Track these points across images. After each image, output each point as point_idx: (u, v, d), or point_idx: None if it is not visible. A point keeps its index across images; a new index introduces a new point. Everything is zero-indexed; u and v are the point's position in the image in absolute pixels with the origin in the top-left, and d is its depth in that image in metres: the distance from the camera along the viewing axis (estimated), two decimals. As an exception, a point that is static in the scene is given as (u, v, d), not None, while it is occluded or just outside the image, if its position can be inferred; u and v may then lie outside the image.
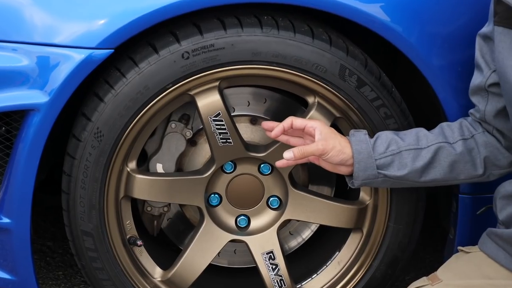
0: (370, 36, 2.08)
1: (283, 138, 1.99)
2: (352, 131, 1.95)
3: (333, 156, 1.92)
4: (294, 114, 2.20)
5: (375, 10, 2.00)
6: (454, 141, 1.90)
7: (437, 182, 1.94)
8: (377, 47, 2.15)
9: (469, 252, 1.91)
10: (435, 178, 1.92)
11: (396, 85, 2.14)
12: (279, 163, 2.00)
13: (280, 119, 2.18)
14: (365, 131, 1.95)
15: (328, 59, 2.03)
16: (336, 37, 2.06)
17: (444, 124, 1.95)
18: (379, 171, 1.90)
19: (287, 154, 1.93)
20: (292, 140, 2.00)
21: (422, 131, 1.94)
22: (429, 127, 1.97)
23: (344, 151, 1.92)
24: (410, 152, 1.89)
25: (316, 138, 1.93)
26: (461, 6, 2.06)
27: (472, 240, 2.16)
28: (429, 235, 2.45)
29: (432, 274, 1.94)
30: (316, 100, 2.11)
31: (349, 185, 1.99)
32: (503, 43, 1.68)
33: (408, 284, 2.09)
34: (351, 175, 1.95)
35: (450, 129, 1.92)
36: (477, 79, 1.87)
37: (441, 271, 1.92)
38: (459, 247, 1.95)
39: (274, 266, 2.26)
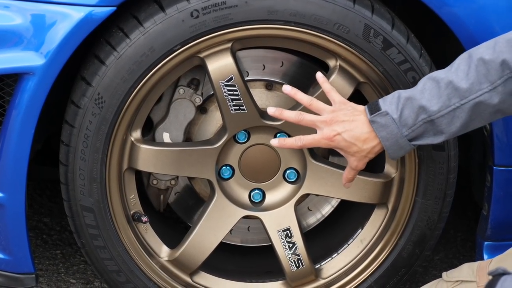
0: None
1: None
2: (372, 117, 1.88)
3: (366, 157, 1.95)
4: (314, 78, 2.20)
5: None
6: (493, 86, 1.82)
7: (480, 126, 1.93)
8: (406, 5, 2.11)
9: None
10: (478, 126, 1.90)
11: (426, 47, 2.13)
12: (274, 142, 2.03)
13: (298, 84, 2.22)
14: (385, 111, 1.88)
15: (351, 18, 2.01)
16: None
17: (481, 59, 1.84)
18: (413, 143, 1.89)
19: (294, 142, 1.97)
20: None
21: (451, 81, 1.85)
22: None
23: (372, 150, 1.93)
24: (443, 117, 1.85)
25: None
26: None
27: (508, 217, 2.21)
28: (461, 211, 2.42)
29: (480, 264, 1.90)
30: (338, 64, 2.11)
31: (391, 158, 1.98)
32: None
33: (438, 266, 2.09)
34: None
35: (486, 68, 1.83)
36: None
37: (494, 263, 1.86)
38: None
39: (291, 245, 2.26)
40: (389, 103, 1.88)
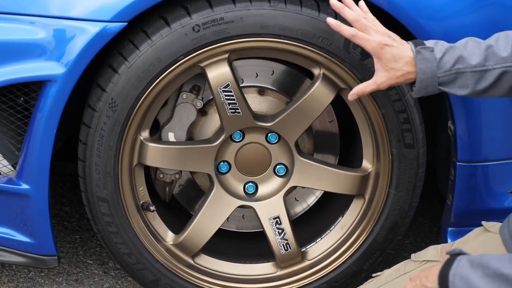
0: (373, 10, 2.03)
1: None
2: (418, 48, 1.84)
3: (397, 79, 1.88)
4: (300, 85, 2.25)
5: None
6: None
7: (497, 97, 1.90)
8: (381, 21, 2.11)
9: (490, 232, 1.85)
10: (493, 95, 1.86)
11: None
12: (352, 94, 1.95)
13: (287, 90, 2.26)
14: (432, 47, 1.85)
15: (333, 32, 1.98)
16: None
17: None
18: (440, 87, 1.85)
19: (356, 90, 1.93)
20: None
21: (492, 47, 1.84)
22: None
23: (408, 76, 1.87)
24: (475, 73, 1.82)
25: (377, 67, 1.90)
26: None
27: (468, 206, 2.21)
28: (428, 201, 2.43)
29: (443, 246, 1.90)
30: (322, 72, 2.10)
31: (409, 93, 1.94)
32: None
33: (408, 249, 2.09)
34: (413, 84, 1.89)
35: None
36: None
37: (458, 245, 1.85)
38: (483, 222, 1.88)
39: (280, 231, 2.26)
40: (433, 44, 1.86)
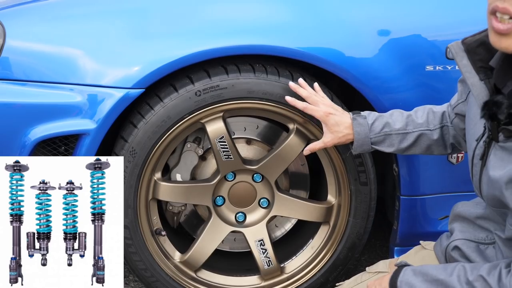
0: (334, 79, 2.09)
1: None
2: (354, 116, 1.90)
3: (340, 139, 1.93)
4: (278, 137, 2.24)
5: (343, 62, 2.02)
6: (434, 128, 1.85)
7: (416, 154, 1.94)
8: (341, 88, 2.14)
9: (426, 249, 1.86)
10: (414, 153, 1.91)
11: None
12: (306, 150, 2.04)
13: (268, 140, 2.26)
14: (365, 116, 1.90)
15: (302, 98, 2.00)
16: (310, 80, 2.04)
17: (431, 109, 1.89)
18: (373, 146, 1.88)
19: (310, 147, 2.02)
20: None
21: (411, 116, 1.89)
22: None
23: (347, 137, 1.91)
24: (399, 135, 1.86)
25: (325, 131, 1.95)
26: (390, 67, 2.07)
27: (410, 230, 2.23)
28: (379, 226, 2.43)
29: (391, 261, 1.90)
30: (295, 127, 2.10)
31: (351, 150, 1.96)
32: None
33: (363, 264, 2.09)
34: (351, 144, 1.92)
35: (433, 115, 1.87)
36: (454, 98, 1.82)
37: (403, 259, 1.84)
38: (421, 241, 1.90)
39: (264, 250, 2.24)
40: (367, 113, 1.90)
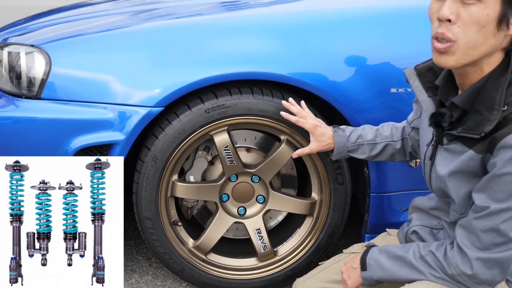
0: (317, 100, 2.08)
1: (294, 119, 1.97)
2: (335, 129, 1.91)
3: (323, 147, 1.93)
4: (272, 146, 2.24)
5: (325, 86, 2.00)
6: (397, 139, 1.87)
7: (383, 160, 1.94)
8: (323, 107, 2.13)
9: (391, 235, 1.87)
10: (380, 160, 1.92)
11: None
12: (295, 154, 2.02)
13: (264, 149, 2.25)
14: (343, 129, 1.91)
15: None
16: (297, 99, 2.03)
17: (394, 125, 1.91)
18: (349, 153, 1.90)
19: (297, 152, 2.01)
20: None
21: (379, 130, 1.90)
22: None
23: (329, 146, 1.92)
24: (369, 145, 1.88)
25: (311, 139, 1.95)
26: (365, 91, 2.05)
27: (378, 221, 2.22)
28: (353, 218, 2.43)
29: (362, 244, 1.90)
30: (286, 138, 2.10)
31: (331, 157, 1.96)
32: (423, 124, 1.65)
33: (341, 247, 2.08)
34: (332, 151, 1.94)
35: (396, 130, 1.89)
36: (410, 116, 1.85)
37: (372, 242, 1.86)
38: (387, 229, 1.91)
39: (260, 237, 2.25)
40: (345, 127, 1.92)
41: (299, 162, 2.25)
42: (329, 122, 2.08)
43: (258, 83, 2.02)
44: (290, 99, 1.98)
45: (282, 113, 1.97)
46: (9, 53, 2.02)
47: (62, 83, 1.94)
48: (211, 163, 2.25)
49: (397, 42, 2.05)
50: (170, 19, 2.22)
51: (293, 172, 2.34)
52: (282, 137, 2.11)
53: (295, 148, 2.10)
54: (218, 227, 2.23)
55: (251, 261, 2.29)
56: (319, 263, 1.93)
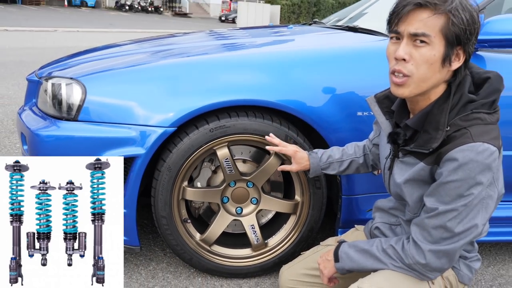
0: (298, 121, 2.10)
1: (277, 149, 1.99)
2: (310, 152, 1.94)
3: (301, 167, 1.94)
4: (263, 158, 2.25)
5: (305, 110, 2.02)
6: (359, 156, 1.88)
7: (350, 173, 1.94)
8: (303, 127, 2.16)
9: (359, 230, 1.89)
10: (348, 173, 1.93)
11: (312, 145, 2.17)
12: (280, 168, 2.03)
13: (257, 160, 2.26)
14: (316, 151, 1.92)
15: (280, 132, 2.05)
16: (285, 121, 2.08)
17: (356, 144, 1.92)
18: (322, 171, 1.91)
19: (282, 167, 2.02)
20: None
21: (344, 149, 1.91)
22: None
23: (306, 166, 1.93)
24: (338, 163, 1.88)
25: (292, 162, 1.96)
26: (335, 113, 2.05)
27: (348, 218, 2.23)
28: (329, 216, 2.43)
29: (336, 238, 1.94)
30: (274, 152, 2.11)
31: (308, 175, 1.98)
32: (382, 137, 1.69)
33: (318, 239, 2.10)
34: (308, 170, 1.95)
35: (358, 148, 1.90)
36: (371, 135, 1.88)
37: (342, 238, 1.89)
38: (355, 225, 1.94)
39: (254, 232, 2.27)
40: (317, 150, 1.94)
41: (285, 172, 2.26)
42: (308, 139, 2.14)
43: (252, 108, 2.04)
44: (271, 134, 2.00)
45: (268, 147, 1.99)
46: (53, 84, 2.06)
47: (95, 108, 1.95)
48: (214, 172, 2.26)
49: (361, 75, 2.06)
50: (182, 57, 2.24)
51: (280, 179, 2.38)
52: (271, 150, 2.12)
53: (282, 160, 2.14)
54: (220, 224, 2.25)
55: (246, 251, 2.30)
56: (301, 253, 1.97)
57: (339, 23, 3.01)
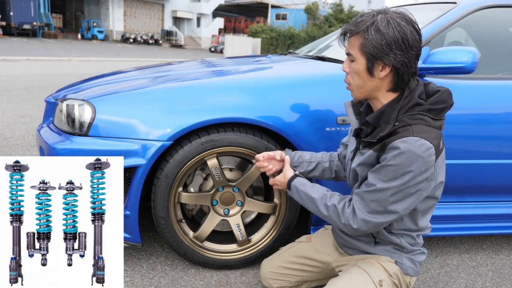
0: (276, 135, 2.11)
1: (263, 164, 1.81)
2: (285, 151, 1.88)
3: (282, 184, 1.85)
4: (247, 167, 2.23)
5: (281, 125, 2.02)
6: (326, 161, 1.88)
7: (317, 176, 1.87)
8: (281, 140, 2.17)
9: (327, 229, 1.90)
10: (314, 175, 1.88)
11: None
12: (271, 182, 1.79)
13: (242, 168, 2.24)
14: (291, 151, 1.88)
15: (261, 144, 2.05)
16: (265, 135, 2.08)
17: (324, 152, 1.90)
18: (294, 168, 1.85)
19: (270, 181, 1.79)
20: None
21: (314, 153, 1.88)
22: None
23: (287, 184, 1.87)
24: (307, 163, 1.86)
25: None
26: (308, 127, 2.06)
27: (320, 219, 2.16)
28: (302, 216, 2.42)
29: (308, 235, 1.93)
30: (255, 161, 2.08)
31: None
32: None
33: (295, 237, 2.09)
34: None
35: (325, 155, 1.88)
36: (345, 138, 1.86)
37: (313, 235, 1.90)
38: (325, 225, 1.92)
39: (239, 230, 2.25)
40: (293, 151, 1.89)
41: (265, 178, 2.26)
42: (284, 149, 2.12)
43: (237, 124, 2.04)
44: (257, 155, 1.85)
45: (257, 163, 1.85)
46: (67, 105, 2.05)
47: (103, 125, 1.94)
48: (205, 179, 2.25)
49: (328, 97, 2.08)
50: (178, 82, 2.22)
51: (261, 185, 2.37)
52: (254, 161, 2.13)
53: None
54: (210, 223, 2.23)
55: (233, 247, 2.28)
56: (279, 248, 1.97)
57: (310, 53, 3.04)
